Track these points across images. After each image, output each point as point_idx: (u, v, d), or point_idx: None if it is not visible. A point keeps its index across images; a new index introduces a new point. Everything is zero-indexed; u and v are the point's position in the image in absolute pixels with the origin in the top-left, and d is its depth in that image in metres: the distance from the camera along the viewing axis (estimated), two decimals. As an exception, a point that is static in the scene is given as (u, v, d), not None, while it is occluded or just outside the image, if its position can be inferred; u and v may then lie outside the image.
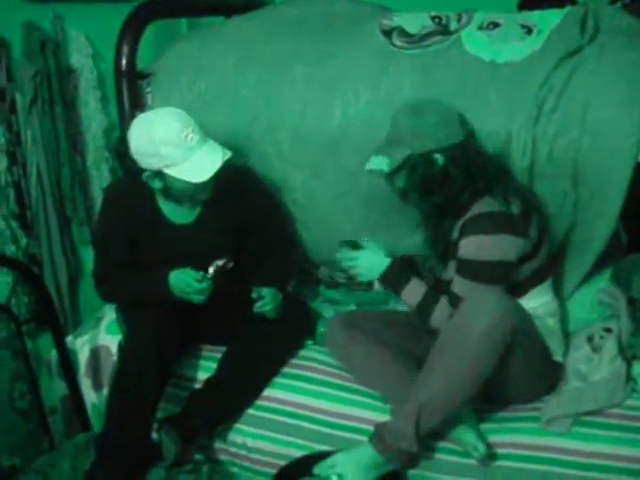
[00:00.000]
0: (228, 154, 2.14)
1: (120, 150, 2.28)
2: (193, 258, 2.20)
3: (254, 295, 2.20)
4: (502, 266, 1.95)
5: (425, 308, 2.00)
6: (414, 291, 2.03)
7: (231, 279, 2.23)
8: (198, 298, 2.16)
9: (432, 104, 2.07)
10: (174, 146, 2.06)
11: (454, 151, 2.00)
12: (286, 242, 2.51)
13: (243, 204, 2.32)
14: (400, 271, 2.07)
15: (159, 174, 2.13)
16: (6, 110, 2.74)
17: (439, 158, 1.99)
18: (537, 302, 2.07)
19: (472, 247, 1.95)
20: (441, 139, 1.99)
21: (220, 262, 2.16)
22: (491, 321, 1.82)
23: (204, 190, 2.19)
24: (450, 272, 2.02)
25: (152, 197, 2.29)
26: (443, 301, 1.98)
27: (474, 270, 1.94)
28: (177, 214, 2.30)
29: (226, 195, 2.26)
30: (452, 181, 1.99)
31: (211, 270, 2.15)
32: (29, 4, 2.82)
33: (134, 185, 2.26)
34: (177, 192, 2.19)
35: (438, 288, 2.03)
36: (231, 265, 2.17)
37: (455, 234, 2.01)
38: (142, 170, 2.15)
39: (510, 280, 1.99)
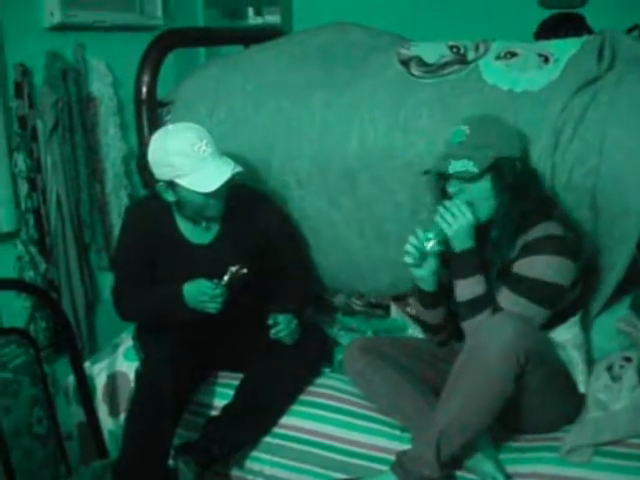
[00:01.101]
0: (239, 168, 2.18)
1: (140, 164, 2.33)
2: (210, 278, 2.21)
3: (270, 321, 2.21)
4: (557, 289, 1.95)
5: (473, 307, 1.97)
6: (474, 286, 1.98)
7: (249, 305, 2.24)
8: (213, 307, 2.17)
9: (497, 117, 2.10)
10: (185, 156, 2.13)
11: (524, 163, 2.03)
12: (302, 267, 2.52)
13: (259, 226, 2.35)
14: (475, 260, 2.00)
15: (171, 185, 2.18)
16: (27, 137, 2.78)
17: (519, 165, 2.00)
18: (569, 335, 2.06)
19: (532, 266, 1.94)
20: (516, 149, 2.02)
21: (234, 268, 2.16)
22: (504, 343, 1.81)
23: (214, 206, 2.22)
24: (499, 292, 2.00)
25: (171, 217, 2.32)
26: (488, 312, 1.96)
27: (530, 288, 1.93)
28: (195, 234, 2.33)
29: (242, 217, 2.31)
30: (527, 193, 2.00)
31: (226, 277, 2.16)
32: (52, 33, 2.88)
33: (154, 204, 2.32)
34: (188, 204, 2.22)
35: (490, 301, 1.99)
36: (245, 271, 2.17)
37: (512, 254, 2.00)
38: (157, 182, 2.20)
39: (560, 305, 1.99)
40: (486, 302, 1.96)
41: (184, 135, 2.17)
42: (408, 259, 2.01)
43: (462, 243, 1.98)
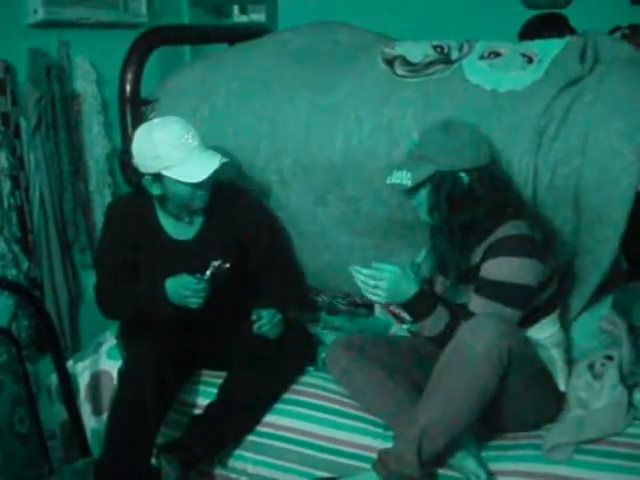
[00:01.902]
0: (225, 159, 2.20)
1: (123, 160, 2.32)
2: (193, 273, 2.21)
3: (253, 317, 2.22)
4: (525, 290, 1.95)
5: (444, 337, 1.95)
6: (437, 320, 1.98)
7: (233, 302, 2.24)
8: (195, 302, 2.17)
9: (462, 125, 2.07)
10: (173, 147, 2.14)
11: (479, 173, 2.01)
12: (285, 263, 2.53)
13: (242, 222, 2.35)
14: (428, 299, 2.00)
15: (158, 178, 2.19)
16: (10, 134, 2.76)
17: (464, 177, 2.00)
18: (547, 332, 2.08)
19: (497, 268, 1.95)
20: (468, 159, 2.00)
21: (216, 263, 2.16)
22: (487, 342, 1.82)
23: (201, 197, 2.23)
24: (467, 296, 2.01)
25: (154, 213, 2.32)
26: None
27: (497, 291, 1.94)
28: (177, 230, 2.33)
29: (224, 212, 2.32)
30: (477, 202, 2.00)
31: (208, 272, 2.16)
32: (35, 30, 2.85)
33: (136, 201, 2.33)
34: (175, 197, 2.23)
35: (455, 314, 1.99)
36: (227, 266, 2.17)
37: (477, 258, 2.01)
38: (142, 176, 2.20)
39: (529, 305, 1.99)
40: (454, 325, 1.95)
41: (171, 127, 2.19)
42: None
43: (403, 296, 1.97)
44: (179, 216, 2.31)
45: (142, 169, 2.20)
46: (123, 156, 2.32)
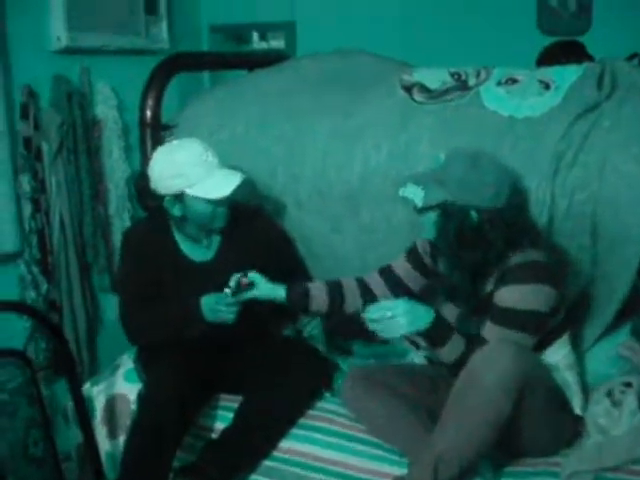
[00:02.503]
0: (245, 176, 2.24)
1: (139, 185, 2.35)
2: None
3: (304, 320, 2.31)
4: (538, 316, 1.94)
5: (459, 365, 1.93)
6: (454, 347, 1.95)
7: (253, 323, 2.25)
8: (229, 317, 2.17)
9: (491, 163, 2.01)
10: (194, 165, 2.19)
11: (491, 214, 1.96)
12: (305, 274, 2.57)
13: (258, 241, 2.37)
14: (446, 325, 1.97)
15: (179, 198, 2.21)
16: (32, 158, 2.81)
17: (474, 215, 1.97)
18: (559, 355, 2.06)
19: (510, 296, 1.94)
20: (483, 199, 1.96)
21: (238, 275, 2.17)
22: (502, 370, 1.81)
23: (222, 215, 2.25)
24: (477, 327, 1.99)
25: (171, 236, 2.34)
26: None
27: (511, 318, 1.93)
28: (195, 252, 2.35)
29: (240, 232, 2.34)
30: (488, 243, 1.97)
31: (231, 284, 2.16)
32: (58, 56, 2.91)
33: (152, 226, 2.36)
34: (196, 216, 2.25)
35: (471, 341, 1.97)
36: (248, 280, 2.17)
37: (489, 286, 2.01)
38: (162, 199, 2.23)
39: (543, 331, 1.98)
40: (469, 353, 1.92)
41: (190, 146, 2.24)
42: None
43: (422, 322, 1.93)
44: (197, 238, 2.33)
45: (163, 190, 2.23)
46: (139, 181, 2.35)
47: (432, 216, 2.01)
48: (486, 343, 1.92)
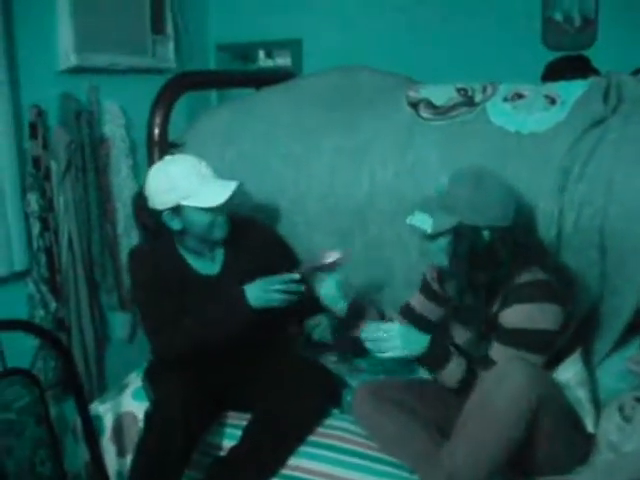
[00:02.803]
0: (239, 182, 2.24)
1: (138, 204, 2.35)
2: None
3: (313, 322, 2.33)
4: (546, 335, 1.94)
5: (465, 387, 1.94)
6: (454, 371, 1.96)
7: (260, 336, 2.26)
8: (281, 298, 2.17)
9: (493, 181, 2.02)
10: (187, 176, 2.21)
11: (503, 232, 1.98)
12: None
13: (262, 253, 2.38)
14: (442, 349, 1.98)
15: (177, 211, 2.22)
16: (41, 177, 2.82)
17: (486, 235, 1.97)
18: (570, 373, 2.06)
19: (516, 315, 1.93)
20: (493, 218, 1.96)
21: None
22: (515, 390, 1.80)
23: (221, 225, 2.26)
24: (486, 347, 1.99)
25: (176, 252, 2.35)
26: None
27: (519, 339, 1.93)
28: (202, 265, 2.36)
29: (241, 243, 2.36)
30: (499, 262, 1.98)
31: (328, 260, 2.16)
32: (66, 75, 2.93)
33: (157, 243, 2.38)
34: (195, 227, 2.25)
35: (477, 364, 1.97)
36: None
37: (496, 307, 2.00)
38: (160, 214, 2.24)
39: (552, 350, 1.98)
40: (474, 376, 1.94)
41: (183, 159, 2.27)
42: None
43: (418, 346, 1.96)
44: (200, 251, 2.34)
45: (160, 206, 2.24)
46: (138, 200, 2.36)
47: (442, 242, 2.01)
48: (493, 364, 1.92)
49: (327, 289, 2.23)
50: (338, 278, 2.23)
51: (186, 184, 2.20)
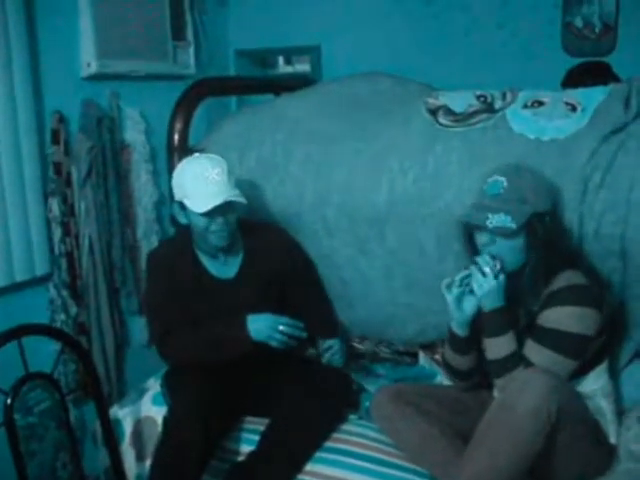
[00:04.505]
0: (237, 198, 2.24)
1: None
2: (236, 311, 2.26)
3: (324, 346, 2.35)
4: (583, 340, 1.94)
5: (505, 365, 1.96)
6: (505, 344, 1.98)
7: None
8: (282, 339, 2.23)
9: (531, 168, 2.08)
10: (194, 177, 2.24)
11: (555, 215, 2.04)
12: (324, 294, 2.61)
13: (277, 255, 2.41)
14: (507, 318, 2.00)
15: (183, 207, 2.27)
16: (62, 183, 2.84)
17: (548, 219, 2.00)
18: (598, 384, 2.04)
19: (557, 317, 1.93)
20: (551, 202, 2.03)
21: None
22: (537, 400, 1.80)
23: (216, 233, 2.27)
24: (526, 348, 1.98)
25: (194, 254, 2.38)
26: (520, 368, 1.94)
27: (556, 340, 1.92)
28: (219, 269, 2.38)
29: (261, 250, 2.38)
30: (558, 241, 2.01)
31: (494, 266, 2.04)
32: (88, 82, 2.95)
33: (176, 244, 2.44)
34: (194, 227, 2.30)
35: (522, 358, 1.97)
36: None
37: (536, 305, 2.00)
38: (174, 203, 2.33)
39: (586, 356, 1.97)
40: (518, 359, 1.95)
41: (200, 161, 2.29)
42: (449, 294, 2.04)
43: (492, 302, 1.99)
44: (214, 254, 2.36)
45: (175, 197, 2.31)
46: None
47: (520, 238, 1.98)
48: (527, 362, 1.93)
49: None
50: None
51: (188, 185, 2.25)
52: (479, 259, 1.99)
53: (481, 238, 2.02)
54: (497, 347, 1.98)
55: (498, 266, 1.97)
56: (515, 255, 2.00)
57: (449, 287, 2.04)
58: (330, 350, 2.35)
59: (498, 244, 1.99)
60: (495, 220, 1.96)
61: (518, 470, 1.84)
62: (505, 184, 1.99)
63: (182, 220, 2.33)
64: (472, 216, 2.03)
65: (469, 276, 2.00)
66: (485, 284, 1.96)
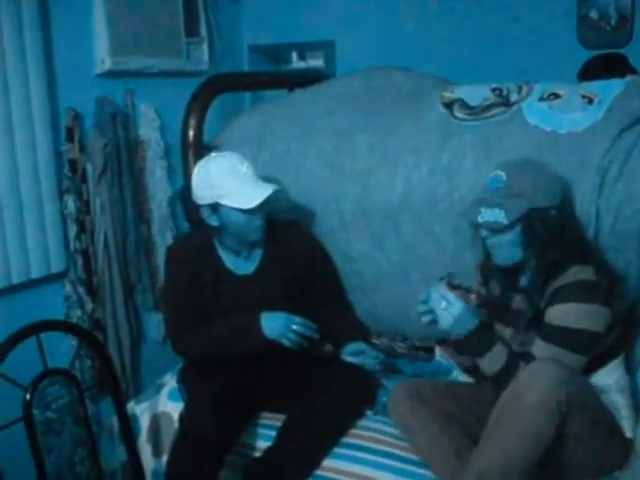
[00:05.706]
0: (278, 187, 2.26)
1: (184, 197, 2.39)
2: (255, 307, 2.26)
3: (352, 349, 2.35)
4: (591, 336, 1.92)
5: (504, 377, 1.93)
6: (495, 358, 1.96)
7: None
8: (294, 339, 2.22)
9: (540, 163, 2.07)
10: (227, 175, 2.22)
11: (565, 209, 2.01)
12: (344, 293, 2.61)
13: (298, 253, 2.40)
14: (487, 335, 1.99)
15: (215, 208, 2.24)
16: (77, 180, 2.85)
17: (554, 214, 1.98)
18: (613, 377, 2.03)
19: (563, 314, 1.92)
20: (558, 196, 2.00)
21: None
22: (545, 389, 1.78)
23: (256, 228, 2.27)
24: (535, 346, 1.97)
25: (214, 249, 2.37)
26: (521, 370, 1.92)
27: (563, 337, 1.91)
28: (238, 265, 2.37)
29: (281, 245, 2.37)
30: (567, 240, 1.98)
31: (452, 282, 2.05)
32: (102, 79, 2.96)
33: (196, 239, 2.42)
34: (231, 227, 2.27)
35: (514, 353, 1.97)
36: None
37: (543, 301, 1.99)
38: (200, 207, 2.27)
39: (594, 351, 1.95)
40: (514, 366, 1.92)
41: (226, 158, 2.28)
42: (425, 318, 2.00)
43: (465, 327, 1.95)
44: (238, 250, 2.35)
45: (200, 201, 2.27)
46: (185, 193, 2.39)
47: (515, 232, 1.98)
48: (528, 357, 1.91)
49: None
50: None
51: (224, 183, 2.21)
52: (432, 297, 1.96)
53: (481, 231, 2.02)
54: (489, 364, 1.96)
55: (452, 297, 1.93)
56: (509, 249, 2.00)
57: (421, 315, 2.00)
58: (362, 355, 2.33)
59: (494, 237, 1.99)
60: (486, 215, 1.97)
61: (528, 460, 1.82)
62: (504, 179, 1.99)
63: (214, 222, 2.28)
64: (469, 211, 2.03)
65: (427, 301, 1.97)
66: (449, 316, 1.92)
